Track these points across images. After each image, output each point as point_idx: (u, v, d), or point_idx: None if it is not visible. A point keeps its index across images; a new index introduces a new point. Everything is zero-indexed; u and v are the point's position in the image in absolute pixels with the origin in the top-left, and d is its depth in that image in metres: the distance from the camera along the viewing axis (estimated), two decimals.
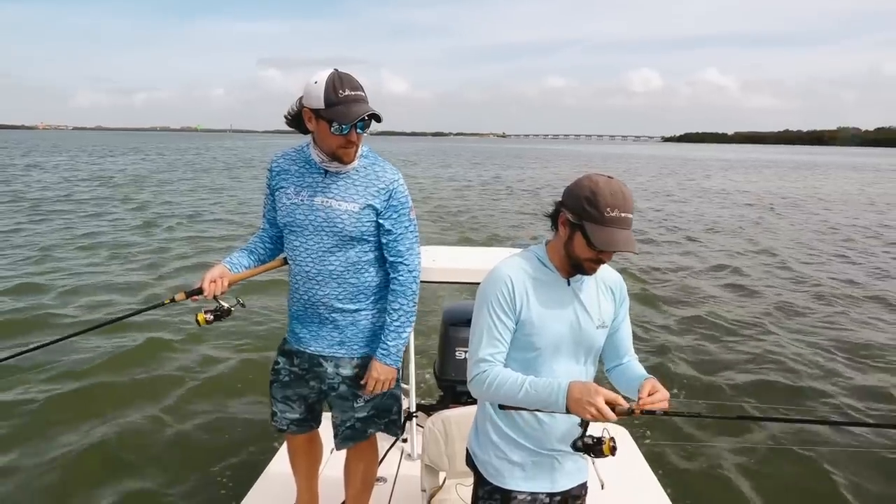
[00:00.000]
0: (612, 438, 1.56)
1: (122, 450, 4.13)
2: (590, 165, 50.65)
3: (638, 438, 3.28)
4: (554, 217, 1.69)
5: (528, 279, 1.67)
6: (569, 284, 1.71)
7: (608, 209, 1.53)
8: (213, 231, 13.85)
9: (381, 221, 2.12)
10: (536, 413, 1.69)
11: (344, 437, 2.30)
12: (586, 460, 1.81)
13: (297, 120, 2.09)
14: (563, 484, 1.80)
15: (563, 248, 1.65)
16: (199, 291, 2.15)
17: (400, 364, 2.26)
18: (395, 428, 2.39)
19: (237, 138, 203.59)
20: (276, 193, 2.21)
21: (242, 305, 2.27)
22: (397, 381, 2.32)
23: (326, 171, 2.11)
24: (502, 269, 1.69)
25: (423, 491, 2.37)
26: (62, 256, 10.56)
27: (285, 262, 2.30)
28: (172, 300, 2.24)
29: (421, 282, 2.24)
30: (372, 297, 2.20)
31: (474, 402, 2.08)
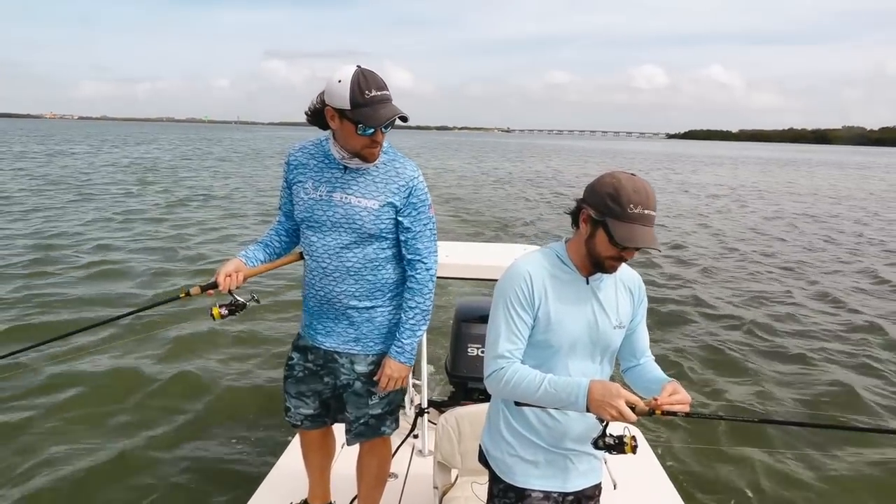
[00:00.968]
0: (633, 437, 1.56)
1: (135, 441, 4.18)
2: (588, 160, 52.80)
3: (650, 439, 3.22)
4: (575, 215, 1.67)
5: (547, 276, 1.67)
6: (587, 283, 1.69)
7: (631, 205, 1.53)
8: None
9: (399, 219, 2.11)
10: (551, 412, 1.69)
11: (357, 433, 2.30)
12: (600, 460, 1.82)
13: (317, 116, 2.06)
14: (577, 484, 1.79)
15: (585, 245, 1.63)
16: (215, 285, 2.15)
17: (413, 362, 2.25)
18: (398, 420, 2.38)
19: (244, 130, 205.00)
20: (294, 187, 2.19)
21: (257, 301, 2.27)
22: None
23: (346, 168, 2.09)
24: (521, 265, 1.68)
25: (436, 488, 2.37)
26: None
27: (301, 256, 2.28)
28: (188, 294, 2.24)
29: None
30: (389, 294, 2.19)
31: (486, 398, 2.11)
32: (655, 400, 1.53)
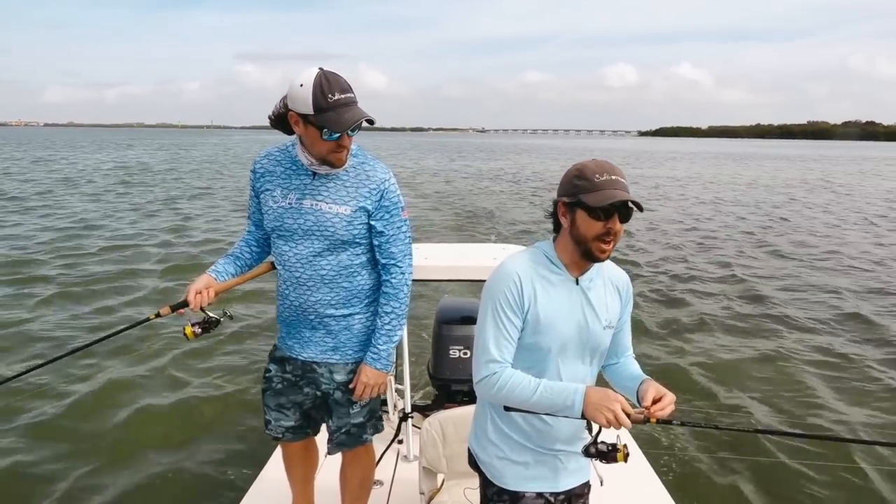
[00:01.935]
0: (625, 445, 1.55)
1: (111, 461, 4.10)
2: (559, 158, 54.19)
3: (638, 437, 3.26)
4: (554, 214, 1.66)
5: (536, 277, 1.64)
6: (577, 284, 1.67)
7: (597, 176, 1.55)
8: None
9: (372, 223, 2.07)
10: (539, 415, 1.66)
11: (338, 443, 2.27)
12: (588, 459, 1.75)
13: (281, 121, 2.02)
14: (567, 483, 1.78)
15: (570, 237, 1.61)
16: (185, 304, 2.11)
17: (391, 368, 2.22)
18: (380, 424, 2.34)
19: (218, 134, 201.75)
20: (262, 196, 2.14)
21: (230, 317, 2.22)
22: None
23: (315, 174, 2.05)
24: (510, 266, 1.65)
25: (422, 494, 2.35)
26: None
27: (273, 267, 2.24)
28: (158, 315, 2.19)
29: (413, 280, 2.19)
30: (365, 301, 2.16)
31: (471, 401, 2.15)
32: (648, 409, 1.54)
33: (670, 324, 7.33)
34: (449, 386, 3.33)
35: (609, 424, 1.48)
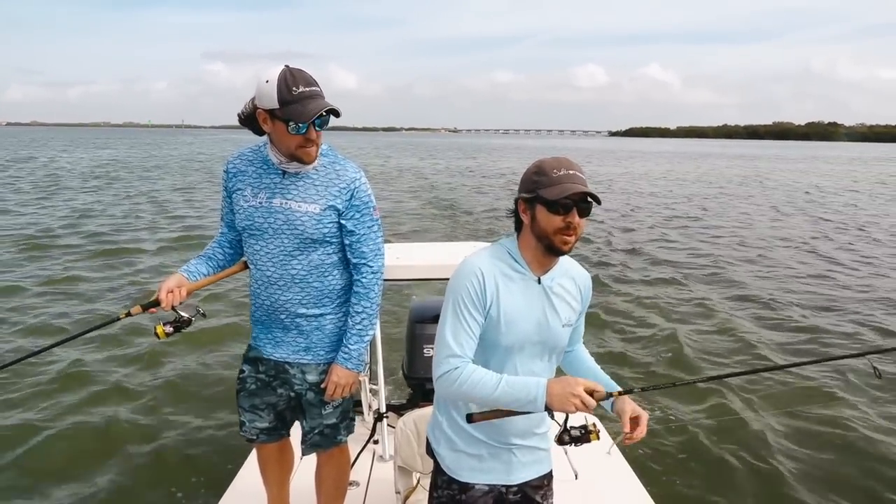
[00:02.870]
0: (594, 424, 1.60)
1: (82, 466, 4.02)
2: (525, 157, 57.16)
3: (609, 426, 3.24)
4: (515, 213, 1.69)
5: (498, 274, 1.65)
6: (539, 283, 1.68)
7: (554, 171, 1.59)
8: None
9: (343, 222, 2.08)
10: None
11: (312, 444, 2.27)
12: (547, 451, 1.82)
13: (250, 121, 2.03)
14: (522, 476, 1.79)
15: (532, 233, 1.63)
16: (157, 303, 2.09)
17: (362, 368, 2.23)
18: (352, 424, 2.35)
19: (189, 133, 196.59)
20: (234, 196, 2.16)
21: (203, 315, 2.20)
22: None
23: (285, 172, 2.06)
24: (473, 262, 1.66)
25: (398, 493, 2.36)
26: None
27: (246, 266, 2.24)
28: (128, 314, 2.17)
29: (385, 280, 2.20)
30: (337, 301, 2.17)
31: None
32: (628, 434, 1.60)
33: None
34: (423, 385, 3.35)
35: (577, 410, 1.50)
